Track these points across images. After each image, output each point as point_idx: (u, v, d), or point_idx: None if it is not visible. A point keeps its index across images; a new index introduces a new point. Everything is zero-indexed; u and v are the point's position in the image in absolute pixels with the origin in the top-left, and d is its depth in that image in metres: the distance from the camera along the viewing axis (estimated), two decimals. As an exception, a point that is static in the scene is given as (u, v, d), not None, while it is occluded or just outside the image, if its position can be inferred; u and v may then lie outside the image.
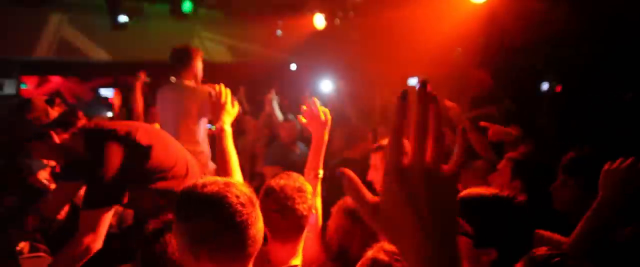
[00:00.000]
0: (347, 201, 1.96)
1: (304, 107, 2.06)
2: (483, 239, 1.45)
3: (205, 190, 1.17)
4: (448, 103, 3.27)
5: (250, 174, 4.73)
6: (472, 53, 6.47)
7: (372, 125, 4.84)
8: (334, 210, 1.99)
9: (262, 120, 5.45)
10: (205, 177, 1.26)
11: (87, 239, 1.95)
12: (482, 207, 1.50)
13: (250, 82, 6.16)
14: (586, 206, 1.82)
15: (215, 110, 2.04)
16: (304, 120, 2.06)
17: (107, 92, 7.90)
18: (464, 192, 1.58)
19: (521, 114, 4.32)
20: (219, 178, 1.25)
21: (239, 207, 1.16)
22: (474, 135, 3.25)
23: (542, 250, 1.21)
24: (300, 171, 4.77)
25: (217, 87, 2.08)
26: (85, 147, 2.08)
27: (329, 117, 2.03)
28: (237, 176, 1.94)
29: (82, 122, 2.11)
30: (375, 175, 2.45)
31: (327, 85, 6.38)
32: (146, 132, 2.21)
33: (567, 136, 3.09)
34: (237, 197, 1.17)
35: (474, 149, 3.31)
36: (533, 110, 5.12)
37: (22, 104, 2.05)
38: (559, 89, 6.73)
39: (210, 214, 1.15)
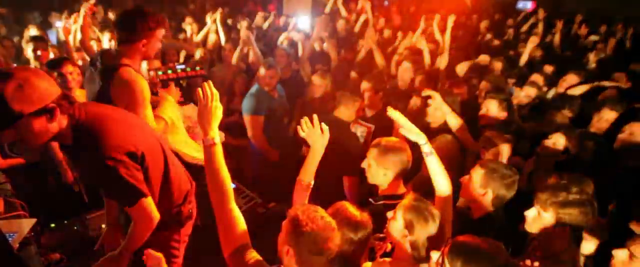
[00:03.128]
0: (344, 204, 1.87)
1: (306, 122, 2.12)
2: None
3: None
4: (428, 92, 3.12)
5: (228, 110, 4.64)
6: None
7: (355, 72, 4.73)
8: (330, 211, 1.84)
9: (238, 55, 5.28)
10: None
11: (144, 226, 1.95)
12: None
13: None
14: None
15: (203, 118, 1.74)
16: (302, 133, 2.12)
17: (58, 23, 6.40)
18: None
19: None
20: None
21: None
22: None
23: None
24: (280, 116, 4.68)
25: (201, 89, 1.76)
26: (76, 138, 1.77)
27: (328, 134, 2.11)
28: (233, 204, 1.68)
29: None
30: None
31: (304, 22, 6.09)
32: (142, 131, 1.97)
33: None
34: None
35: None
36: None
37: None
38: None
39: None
